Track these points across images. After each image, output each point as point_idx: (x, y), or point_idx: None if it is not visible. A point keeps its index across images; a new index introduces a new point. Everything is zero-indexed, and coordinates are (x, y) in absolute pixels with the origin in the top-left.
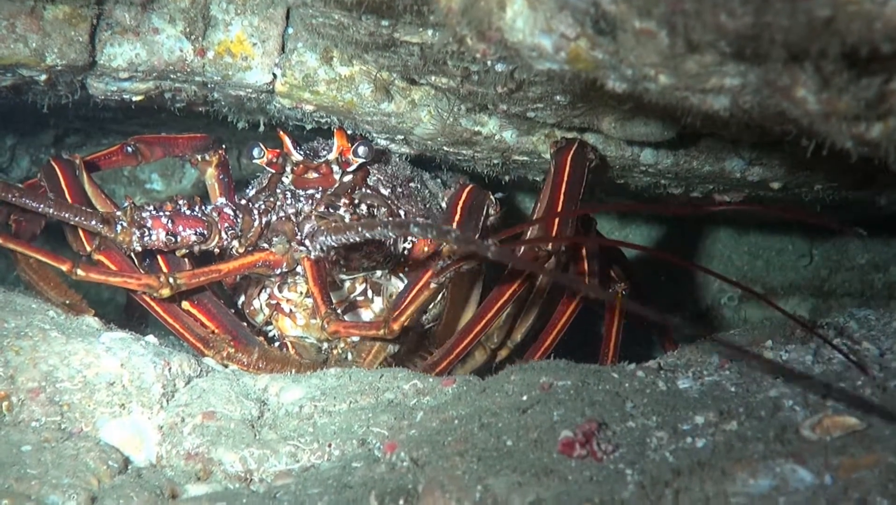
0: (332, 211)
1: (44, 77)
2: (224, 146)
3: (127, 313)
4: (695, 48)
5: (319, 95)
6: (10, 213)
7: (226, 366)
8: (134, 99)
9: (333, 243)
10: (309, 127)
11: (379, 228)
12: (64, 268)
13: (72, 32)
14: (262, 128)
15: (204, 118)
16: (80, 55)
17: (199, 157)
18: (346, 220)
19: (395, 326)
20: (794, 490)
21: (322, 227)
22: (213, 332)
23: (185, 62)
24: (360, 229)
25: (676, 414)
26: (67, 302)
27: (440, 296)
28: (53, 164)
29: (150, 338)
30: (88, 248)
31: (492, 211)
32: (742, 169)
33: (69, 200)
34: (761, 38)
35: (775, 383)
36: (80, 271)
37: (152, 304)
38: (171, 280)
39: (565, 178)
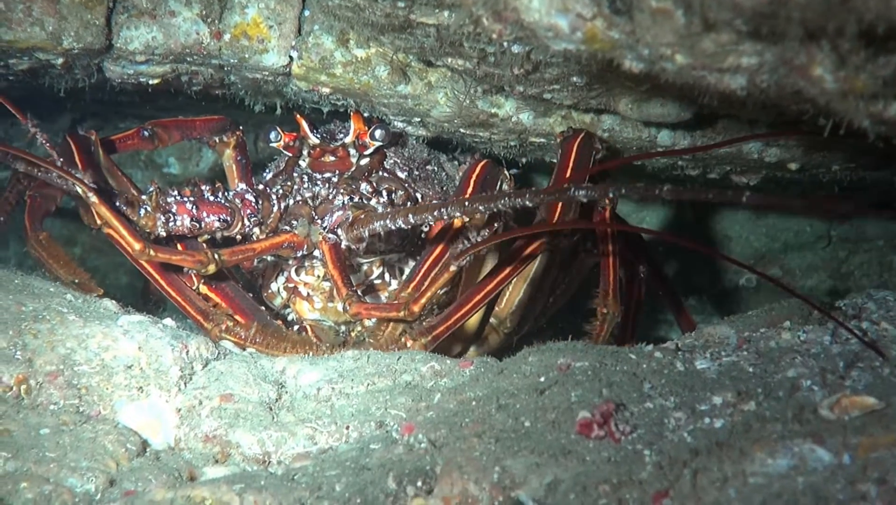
0: (365, 203)
1: (60, 61)
2: (241, 128)
3: (144, 297)
4: (711, 27)
5: (336, 78)
6: (27, 190)
7: (243, 349)
8: (151, 82)
9: (378, 230)
10: (326, 110)
11: (412, 215)
12: (137, 246)
13: (88, 15)
14: (278, 111)
15: (221, 101)
16: (97, 38)
17: (216, 139)
18: (379, 211)
19: (416, 308)
20: (813, 470)
21: (362, 217)
22: (214, 305)
23: (202, 45)
24: (398, 217)
25: (694, 394)
26: (76, 281)
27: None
28: (69, 140)
29: (168, 321)
30: (99, 222)
31: (506, 186)
32: (759, 150)
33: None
34: (778, 16)
35: (793, 363)
36: (151, 251)
37: (155, 274)
38: (216, 257)
39: (570, 165)
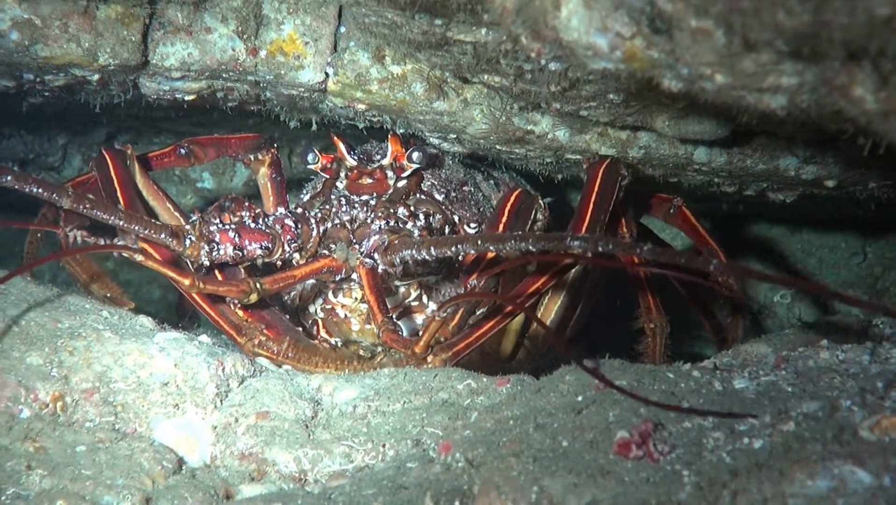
0: (401, 226)
1: (96, 77)
2: (276, 145)
3: (179, 311)
4: (752, 47)
5: (372, 94)
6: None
7: (280, 366)
8: (186, 98)
9: (408, 259)
10: (361, 126)
11: (434, 248)
12: (187, 282)
13: (124, 32)
14: (314, 127)
15: (256, 117)
16: (133, 55)
17: (251, 157)
18: (416, 235)
19: (417, 350)
20: (853, 491)
21: (397, 243)
22: (246, 319)
23: (238, 61)
24: (422, 249)
25: None
26: (108, 295)
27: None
28: (105, 154)
29: (204, 338)
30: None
31: (540, 215)
32: (796, 167)
33: (120, 193)
34: (819, 36)
35: (832, 383)
36: (200, 284)
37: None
38: (258, 286)
39: (595, 191)
